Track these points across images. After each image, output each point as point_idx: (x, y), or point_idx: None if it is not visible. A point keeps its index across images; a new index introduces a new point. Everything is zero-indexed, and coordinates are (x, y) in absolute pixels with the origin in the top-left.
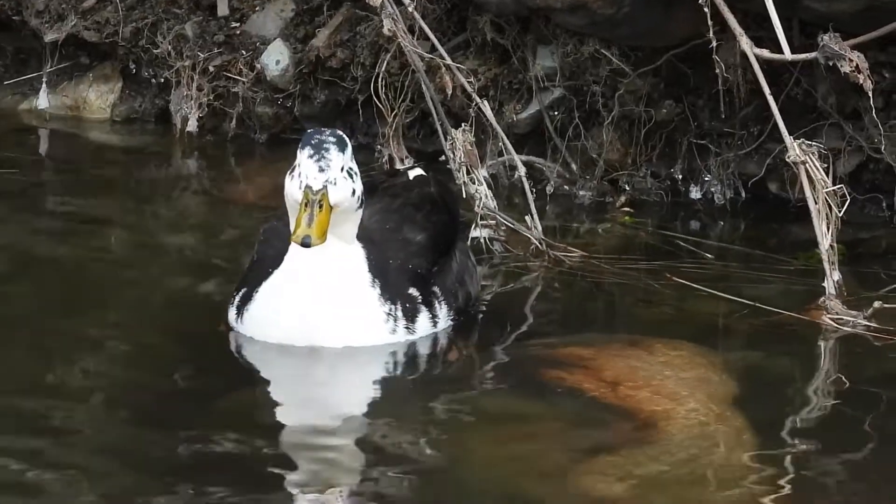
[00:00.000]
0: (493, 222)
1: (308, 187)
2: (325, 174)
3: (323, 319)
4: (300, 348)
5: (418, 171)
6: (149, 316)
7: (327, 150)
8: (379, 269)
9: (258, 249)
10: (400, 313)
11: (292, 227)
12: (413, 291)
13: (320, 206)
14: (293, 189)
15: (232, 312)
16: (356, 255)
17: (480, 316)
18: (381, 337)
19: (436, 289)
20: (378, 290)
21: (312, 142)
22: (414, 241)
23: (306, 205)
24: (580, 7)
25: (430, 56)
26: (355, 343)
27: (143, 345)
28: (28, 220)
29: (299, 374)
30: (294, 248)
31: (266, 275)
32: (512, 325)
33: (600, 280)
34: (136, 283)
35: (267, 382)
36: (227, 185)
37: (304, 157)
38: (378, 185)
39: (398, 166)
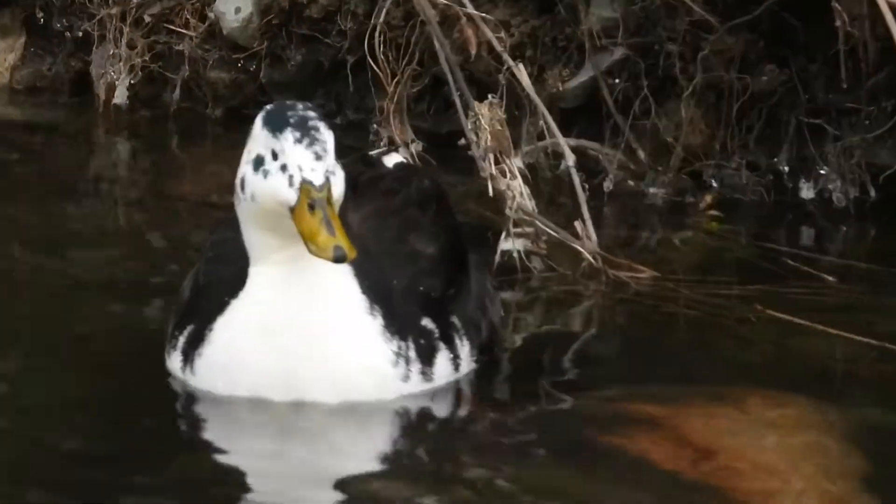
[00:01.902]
0: (531, 230)
1: (308, 183)
2: (324, 162)
3: (311, 364)
4: (279, 404)
5: (396, 158)
6: (65, 356)
7: (317, 129)
8: (379, 293)
9: (205, 270)
10: (413, 353)
11: (270, 239)
12: (427, 323)
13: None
14: (277, 187)
15: (176, 358)
16: (344, 273)
17: (513, 356)
18: (389, 387)
19: (454, 319)
20: (381, 321)
21: (291, 119)
22: (424, 254)
23: (311, 207)
24: None
25: (446, 2)
26: (356, 396)
27: (59, 397)
28: None
29: (277, 439)
30: (258, 270)
31: (221, 305)
32: (556, 371)
33: (676, 310)
34: (47, 310)
35: (231, 451)
36: (167, 176)
37: (287, 142)
38: (357, 179)
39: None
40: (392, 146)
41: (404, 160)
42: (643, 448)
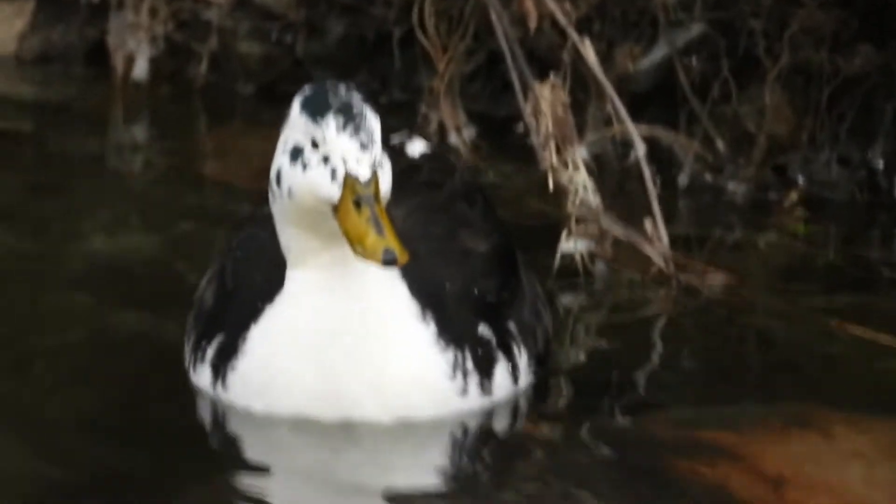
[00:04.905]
0: (595, 229)
1: (353, 176)
2: (371, 153)
3: (359, 379)
4: (326, 424)
5: (420, 145)
6: (78, 364)
7: (363, 115)
8: (430, 297)
9: (233, 271)
10: (470, 364)
11: (310, 240)
12: (484, 330)
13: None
14: (317, 182)
15: (204, 372)
16: (392, 276)
17: (572, 370)
18: (446, 403)
19: (511, 325)
20: (434, 329)
21: (334, 104)
22: (476, 253)
23: (357, 204)
24: None
25: None
26: (410, 413)
27: (73, 413)
28: None
29: (325, 463)
30: (296, 274)
31: (255, 312)
32: (620, 388)
33: (753, 321)
34: (59, 310)
35: (272, 474)
36: (192, 160)
37: (329, 129)
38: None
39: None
40: (412, 132)
41: (429, 149)
42: (718, 475)
